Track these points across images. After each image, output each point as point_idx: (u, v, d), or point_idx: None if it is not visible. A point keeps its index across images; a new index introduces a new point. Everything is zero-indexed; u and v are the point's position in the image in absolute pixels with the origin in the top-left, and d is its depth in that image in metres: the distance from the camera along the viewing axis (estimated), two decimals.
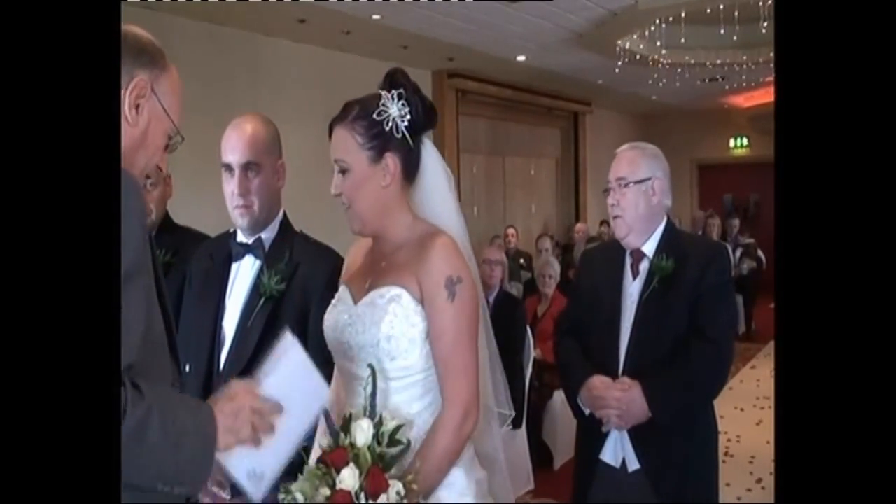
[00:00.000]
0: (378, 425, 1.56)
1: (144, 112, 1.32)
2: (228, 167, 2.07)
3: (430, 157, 1.78)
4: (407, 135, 1.71)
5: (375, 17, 6.36)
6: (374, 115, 1.70)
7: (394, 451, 1.56)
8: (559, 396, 4.83)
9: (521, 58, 8.26)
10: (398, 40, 7.19)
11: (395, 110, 1.71)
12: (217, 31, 6.29)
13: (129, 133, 1.29)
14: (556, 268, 5.21)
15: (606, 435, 2.34)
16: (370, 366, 1.62)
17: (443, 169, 1.80)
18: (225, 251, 2.14)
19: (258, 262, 2.08)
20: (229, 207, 2.09)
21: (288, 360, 1.49)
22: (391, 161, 1.71)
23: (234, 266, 2.11)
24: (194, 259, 2.23)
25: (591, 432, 2.36)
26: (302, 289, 2.03)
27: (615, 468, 2.34)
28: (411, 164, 1.75)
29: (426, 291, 1.66)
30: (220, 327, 2.08)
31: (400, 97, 1.72)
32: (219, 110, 6.14)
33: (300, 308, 2.02)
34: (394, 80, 1.74)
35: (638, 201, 2.38)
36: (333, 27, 6.60)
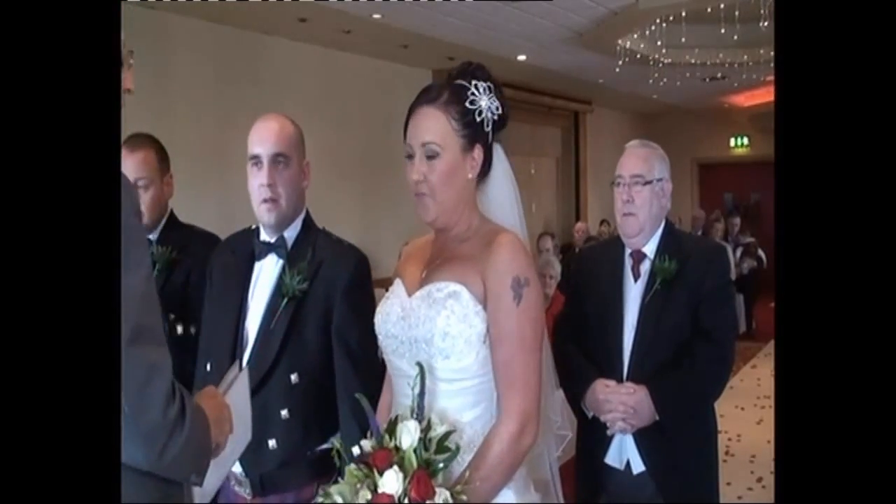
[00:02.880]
0: (426, 429, 1.47)
1: None
2: (257, 159, 2.03)
3: (499, 158, 1.72)
4: (491, 133, 1.66)
5: (376, 16, 6.36)
6: (467, 104, 1.63)
7: (441, 457, 1.46)
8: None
9: (521, 57, 8.25)
10: (399, 39, 7.19)
11: (485, 102, 1.64)
12: (217, 31, 6.28)
13: None
14: (556, 268, 5.19)
15: (610, 438, 2.33)
16: (419, 364, 1.52)
17: (508, 168, 1.73)
18: (248, 248, 2.10)
19: (281, 262, 2.05)
20: (255, 203, 2.05)
21: (236, 390, 1.57)
22: (478, 153, 1.65)
23: (258, 265, 2.08)
24: (215, 254, 2.21)
25: (594, 435, 2.34)
26: (325, 288, 2.00)
27: (619, 470, 2.33)
28: (487, 162, 1.68)
29: (491, 291, 1.56)
30: (244, 327, 2.04)
31: (489, 90, 1.65)
32: (219, 110, 6.16)
33: (323, 308, 1.99)
34: (478, 72, 1.66)
35: (652, 201, 2.37)
36: (334, 26, 6.60)
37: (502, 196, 1.72)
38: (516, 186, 1.75)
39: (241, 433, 1.55)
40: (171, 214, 2.61)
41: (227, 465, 1.62)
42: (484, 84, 1.64)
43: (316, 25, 6.51)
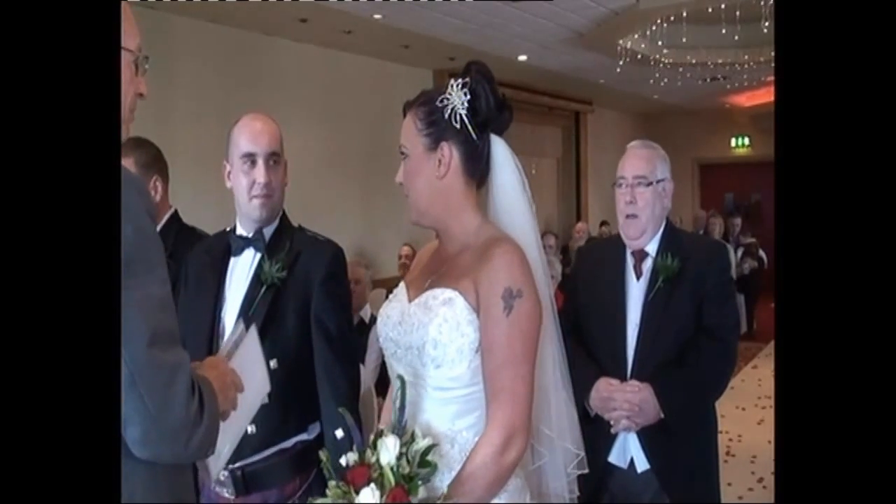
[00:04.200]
0: (408, 443, 1.46)
1: None
2: (251, 157, 2.06)
3: (501, 155, 1.67)
4: (469, 125, 1.61)
5: (377, 16, 6.36)
6: (437, 102, 1.62)
7: (422, 472, 1.45)
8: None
9: (522, 57, 8.26)
10: (399, 40, 7.19)
11: (456, 98, 1.61)
12: (218, 31, 6.29)
13: None
14: (557, 267, 5.19)
15: (614, 436, 2.33)
16: (400, 377, 1.52)
17: (514, 169, 1.68)
18: (222, 246, 2.14)
19: (258, 255, 2.08)
20: (244, 198, 2.07)
21: (243, 350, 1.57)
22: (447, 150, 1.62)
23: (233, 260, 2.11)
24: (190, 258, 2.22)
25: (597, 434, 2.32)
26: (303, 278, 2.03)
27: (623, 469, 2.34)
28: (474, 159, 1.64)
29: (482, 300, 1.54)
30: (220, 319, 2.07)
31: (464, 85, 1.62)
32: (219, 110, 6.16)
33: (302, 296, 2.02)
34: (466, 69, 1.65)
35: (655, 202, 2.36)
36: (335, 26, 6.60)
37: (508, 199, 1.68)
38: (527, 188, 1.70)
39: (253, 391, 1.55)
40: (175, 214, 2.62)
41: (241, 427, 1.62)
42: (462, 80, 1.62)
43: (317, 26, 6.51)
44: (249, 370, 1.52)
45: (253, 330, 1.66)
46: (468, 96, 1.61)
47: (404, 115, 1.69)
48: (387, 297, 1.78)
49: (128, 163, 2.46)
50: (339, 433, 1.58)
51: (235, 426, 1.53)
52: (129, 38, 1.29)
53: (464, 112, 1.61)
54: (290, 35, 6.85)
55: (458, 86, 1.62)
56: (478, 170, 1.66)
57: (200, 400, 1.23)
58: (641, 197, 2.35)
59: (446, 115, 1.62)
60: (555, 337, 1.70)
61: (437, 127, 1.62)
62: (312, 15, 6.18)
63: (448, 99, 1.62)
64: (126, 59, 1.29)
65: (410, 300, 1.66)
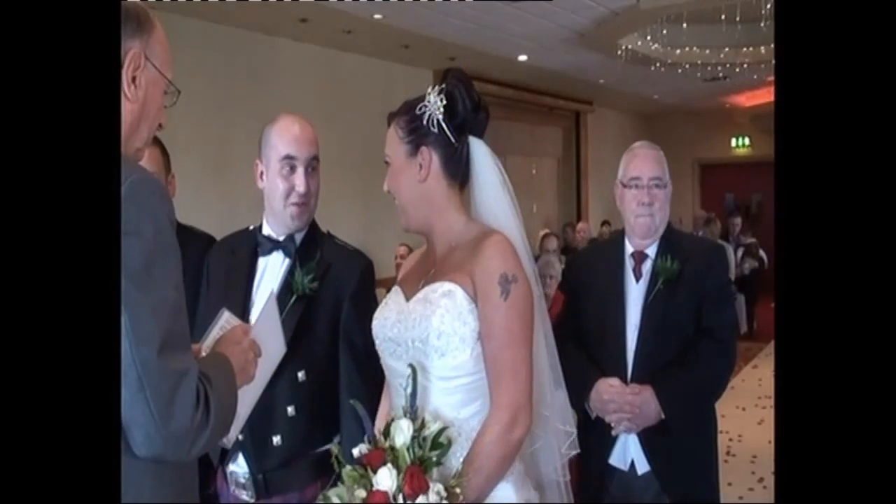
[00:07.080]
0: (420, 428, 1.50)
1: (142, 82, 1.30)
2: (291, 160, 2.01)
3: (481, 156, 1.72)
4: (446, 129, 1.67)
5: (377, 16, 6.37)
6: (416, 110, 1.69)
7: (434, 453, 1.50)
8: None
9: (522, 57, 8.26)
10: (399, 40, 7.20)
11: (434, 104, 1.68)
12: (217, 31, 6.29)
13: (129, 109, 1.28)
14: (557, 268, 5.18)
15: (614, 438, 2.33)
16: (411, 365, 1.55)
17: (494, 168, 1.73)
18: (249, 245, 2.08)
19: (287, 260, 2.03)
20: (279, 204, 2.02)
21: (264, 317, 1.62)
22: (426, 154, 1.68)
23: (262, 261, 2.06)
24: (212, 254, 2.17)
25: (598, 436, 2.32)
26: (334, 290, 2.00)
27: (623, 471, 2.33)
28: (453, 161, 1.70)
29: (480, 288, 1.60)
30: (249, 321, 2.00)
31: (441, 91, 1.68)
32: (219, 110, 6.17)
33: (332, 309, 1.99)
34: (444, 75, 1.71)
35: (666, 203, 2.41)
36: (335, 26, 6.61)
37: (490, 198, 1.73)
38: (509, 187, 1.75)
39: (271, 356, 1.59)
40: None
41: (258, 391, 1.63)
42: (439, 87, 1.69)
43: (317, 26, 6.52)
44: (267, 336, 1.56)
45: (272, 297, 1.69)
46: (444, 101, 1.68)
47: (388, 127, 1.75)
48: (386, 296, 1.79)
49: (155, 154, 2.40)
50: (357, 452, 1.58)
51: (252, 392, 1.55)
52: (167, 69, 1.35)
53: (440, 116, 1.68)
54: (290, 35, 6.86)
55: (435, 92, 1.69)
56: (458, 171, 1.72)
57: (207, 403, 1.22)
58: (657, 198, 2.39)
59: (425, 122, 1.68)
60: (546, 320, 1.76)
61: (417, 133, 1.69)
62: (312, 15, 6.18)
63: (426, 106, 1.69)
64: (160, 86, 1.34)
65: (408, 299, 1.69)
